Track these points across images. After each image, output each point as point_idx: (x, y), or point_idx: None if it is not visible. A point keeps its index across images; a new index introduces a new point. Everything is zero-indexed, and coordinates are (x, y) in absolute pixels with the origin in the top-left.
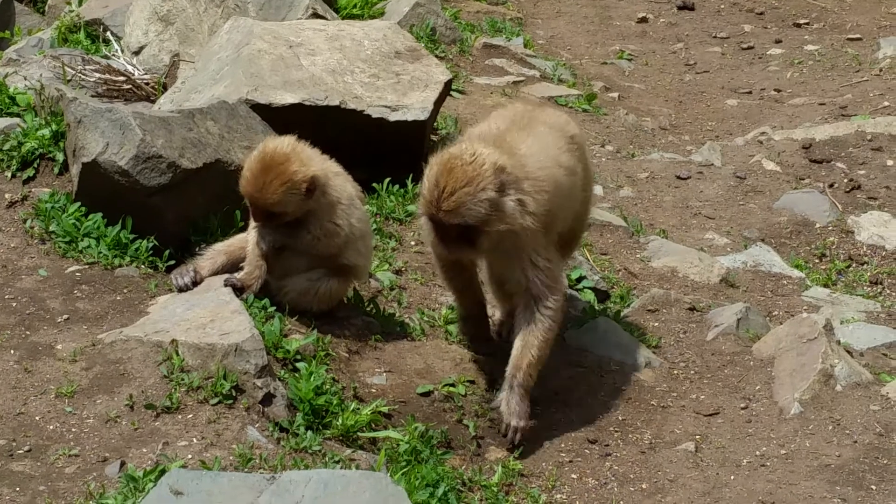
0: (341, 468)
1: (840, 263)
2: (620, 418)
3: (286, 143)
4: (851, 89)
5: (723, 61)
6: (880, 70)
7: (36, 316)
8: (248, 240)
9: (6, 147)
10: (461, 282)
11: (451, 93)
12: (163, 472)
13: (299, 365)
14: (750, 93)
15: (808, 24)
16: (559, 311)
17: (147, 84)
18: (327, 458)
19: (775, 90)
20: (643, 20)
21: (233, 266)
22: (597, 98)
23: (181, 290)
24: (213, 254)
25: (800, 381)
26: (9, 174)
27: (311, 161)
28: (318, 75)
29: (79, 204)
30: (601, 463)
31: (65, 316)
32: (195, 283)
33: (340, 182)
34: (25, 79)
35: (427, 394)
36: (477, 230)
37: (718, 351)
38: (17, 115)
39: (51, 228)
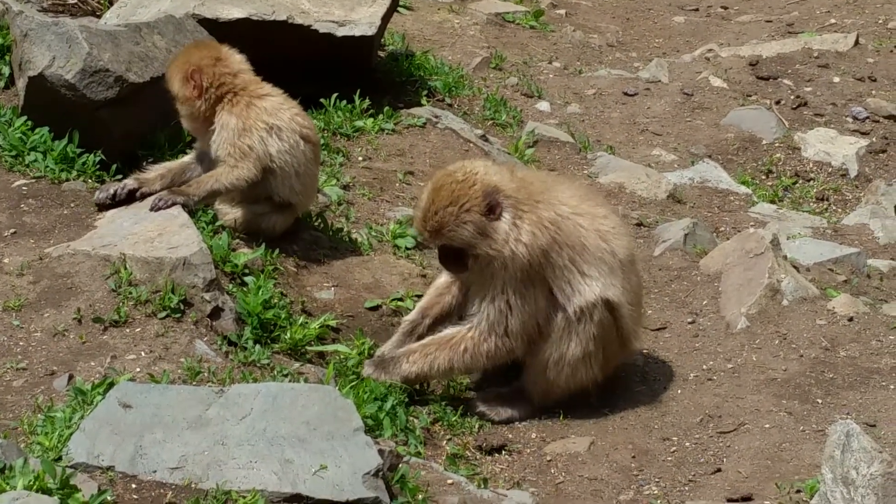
0: (290, 381)
1: (786, 180)
2: None
3: (218, 44)
4: (798, 6)
5: None
6: None
7: None
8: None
9: None
10: None
11: (399, 9)
12: (111, 385)
13: (247, 279)
14: (697, 10)
15: None
16: (487, 352)
17: None
18: (276, 372)
19: (722, 7)
20: None
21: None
22: (544, 14)
23: (99, 204)
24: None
25: (746, 296)
26: None
27: (226, 64)
28: None
29: (25, 118)
30: None
31: (11, 230)
32: (115, 198)
33: (268, 105)
34: None
35: (375, 308)
36: (465, 252)
37: (666, 266)
38: None
39: None
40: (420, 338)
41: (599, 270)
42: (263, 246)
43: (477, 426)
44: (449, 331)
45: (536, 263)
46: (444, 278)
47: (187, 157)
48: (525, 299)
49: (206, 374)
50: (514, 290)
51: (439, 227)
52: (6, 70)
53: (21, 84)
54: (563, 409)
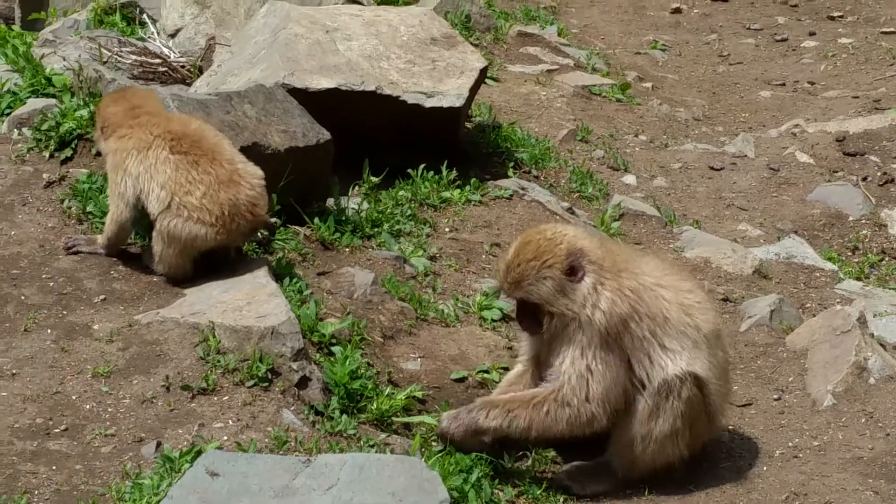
0: (376, 452)
1: (873, 256)
2: None
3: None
4: (885, 82)
5: (756, 53)
6: None
7: (73, 296)
8: None
9: (44, 127)
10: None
11: (486, 80)
12: (199, 453)
13: (334, 349)
14: (783, 85)
15: (841, 16)
16: (568, 418)
17: (183, 67)
18: (362, 442)
19: (809, 82)
20: (677, 10)
21: None
22: (630, 88)
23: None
24: None
25: (833, 374)
26: (46, 154)
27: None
28: (354, 60)
29: None
30: None
31: (101, 296)
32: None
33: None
34: (64, 59)
35: (461, 380)
36: (542, 310)
37: (752, 342)
38: (53, 97)
39: (88, 209)
40: None
41: (682, 344)
42: (351, 316)
43: (561, 500)
44: (533, 390)
45: (614, 331)
46: (516, 369)
47: None
48: (607, 365)
49: (292, 444)
50: (593, 355)
51: (520, 279)
52: None
53: None
54: (647, 484)
